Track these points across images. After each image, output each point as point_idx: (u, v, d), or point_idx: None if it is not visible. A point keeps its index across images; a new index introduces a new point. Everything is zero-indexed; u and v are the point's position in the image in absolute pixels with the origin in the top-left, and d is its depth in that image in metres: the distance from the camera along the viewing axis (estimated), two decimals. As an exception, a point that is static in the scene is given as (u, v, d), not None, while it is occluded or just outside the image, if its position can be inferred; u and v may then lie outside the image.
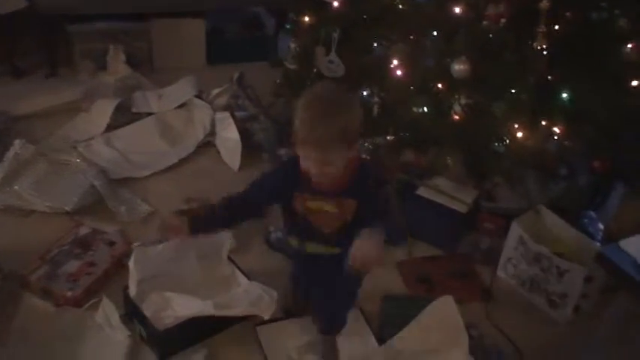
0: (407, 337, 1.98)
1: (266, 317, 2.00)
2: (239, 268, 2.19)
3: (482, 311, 2.21)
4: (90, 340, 2.02)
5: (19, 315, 2.03)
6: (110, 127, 2.98)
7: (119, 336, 2.01)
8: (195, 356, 1.99)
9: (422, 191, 2.58)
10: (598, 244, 2.29)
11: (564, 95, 2.24)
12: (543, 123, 2.27)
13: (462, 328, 1.94)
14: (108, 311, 2.05)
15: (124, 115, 3.05)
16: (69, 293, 2.10)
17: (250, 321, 2.07)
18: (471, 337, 1.95)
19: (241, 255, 2.30)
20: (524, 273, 2.29)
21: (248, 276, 2.15)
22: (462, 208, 2.51)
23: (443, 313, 1.98)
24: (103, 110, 3.03)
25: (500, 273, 2.39)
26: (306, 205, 1.88)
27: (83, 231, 2.36)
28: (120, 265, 2.22)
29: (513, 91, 2.25)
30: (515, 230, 2.30)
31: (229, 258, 2.21)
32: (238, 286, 2.14)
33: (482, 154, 2.43)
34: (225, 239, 2.18)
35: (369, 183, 1.84)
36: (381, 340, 2.05)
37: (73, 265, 2.20)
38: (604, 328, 1.80)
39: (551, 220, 2.33)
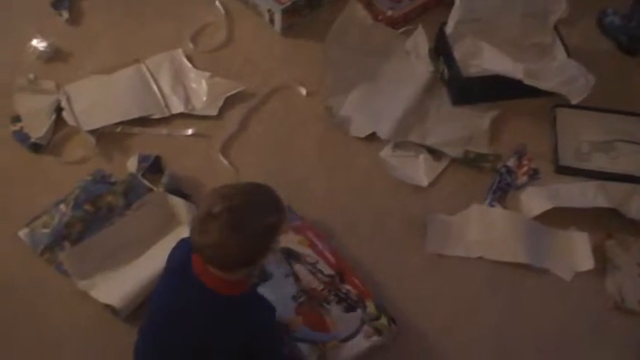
0: None
1: (574, 102, 1.86)
2: (562, 40, 2.02)
3: None
4: (395, 62, 2.08)
5: (340, 20, 2.11)
6: None
7: (422, 68, 2.04)
8: (486, 113, 1.98)
9: None
10: None
11: None
12: None
13: None
14: (419, 41, 2.07)
15: None
16: (389, 12, 2.13)
17: (553, 98, 1.96)
18: None
19: (567, 28, 2.10)
20: None
21: (569, 52, 1.98)
22: None
23: None
24: None
25: None
26: None
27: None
28: (442, 1, 2.17)
29: None
30: None
31: (555, 27, 2.04)
32: (554, 59, 2.00)
33: None
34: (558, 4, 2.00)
35: None
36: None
37: (397, -16, 2.19)
38: None
39: None
